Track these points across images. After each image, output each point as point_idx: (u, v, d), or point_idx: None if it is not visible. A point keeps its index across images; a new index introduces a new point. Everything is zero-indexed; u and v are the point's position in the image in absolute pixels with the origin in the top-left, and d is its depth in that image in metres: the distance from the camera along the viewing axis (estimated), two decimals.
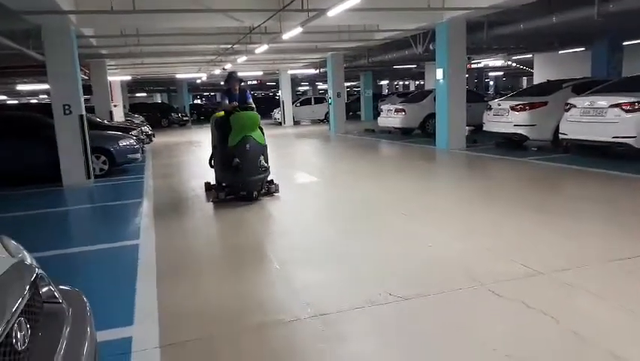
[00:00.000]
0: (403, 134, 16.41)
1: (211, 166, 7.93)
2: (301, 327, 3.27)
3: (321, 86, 42.52)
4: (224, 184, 7.51)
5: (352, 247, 4.97)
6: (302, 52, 17.34)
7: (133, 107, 28.85)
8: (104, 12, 8.76)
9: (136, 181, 9.99)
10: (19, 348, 1.42)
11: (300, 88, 47.07)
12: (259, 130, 7.32)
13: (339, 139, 17.33)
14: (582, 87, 10.60)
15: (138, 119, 21.05)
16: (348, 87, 36.65)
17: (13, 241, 2.13)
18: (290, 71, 26.34)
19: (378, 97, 29.92)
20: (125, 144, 11.05)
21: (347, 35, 14.27)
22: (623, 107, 8.63)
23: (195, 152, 15.48)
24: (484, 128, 12.34)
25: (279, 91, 29.30)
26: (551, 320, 3.14)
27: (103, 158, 10.60)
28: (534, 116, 10.86)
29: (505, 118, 11.38)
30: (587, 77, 13.55)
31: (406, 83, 47.50)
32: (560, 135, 9.99)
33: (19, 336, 1.44)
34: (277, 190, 7.67)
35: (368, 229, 5.62)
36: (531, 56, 22.14)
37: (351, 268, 4.37)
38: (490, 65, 27.36)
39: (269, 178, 7.56)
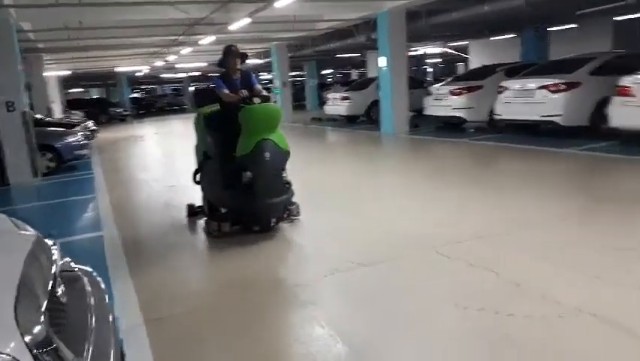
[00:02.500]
0: (348, 121, 16.90)
1: (196, 182, 5.64)
2: (282, 293, 3.60)
3: (264, 76, 42.48)
4: (223, 210, 5.16)
5: (319, 224, 5.35)
6: (247, 42, 17.43)
7: (69, 104, 27.84)
8: (48, 5, 8.62)
9: (86, 178, 9.91)
10: (63, 300, 1.69)
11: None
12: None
13: (288, 128, 17.57)
14: (514, 71, 11.40)
15: (77, 115, 20.44)
16: (292, 77, 36.85)
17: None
18: None
19: (322, 86, 30.33)
20: (71, 140, 10.87)
21: (292, 25, 14.54)
22: (550, 88, 9.42)
23: (144, 146, 15.34)
24: (425, 113, 13.00)
25: None
26: (492, 273, 3.63)
27: (49, 155, 10.41)
28: (471, 100, 11.57)
29: (445, 102, 12.06)
30: (518, 61, 14.47)
31: (349, 71, 48.20)
32: (494, 116, 10.73)
33: (60, 291, 1.71)
34: (299, 212, 5.32)
35: (331, 209, 5.99)
36: (466, 42, 23.20)
37: (320, 243, 4.76)
38: (428, 52, 28.42)
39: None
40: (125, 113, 30.80)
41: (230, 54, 5.16)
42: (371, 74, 25.35)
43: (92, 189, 8.42)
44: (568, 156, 8.20)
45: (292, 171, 5.26)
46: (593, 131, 9.17)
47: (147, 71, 28.24)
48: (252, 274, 4.09)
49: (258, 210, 4.85)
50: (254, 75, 5.43)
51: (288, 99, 20.68)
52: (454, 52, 27.47)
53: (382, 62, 12.97)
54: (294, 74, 38.12)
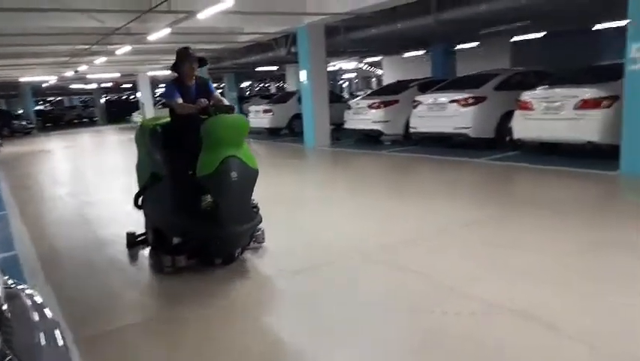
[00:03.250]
0: (270, 134, 17.01)
1: (138, 207, 4.87)
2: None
3: None
4: (175, 240, 4.42)
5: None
6: (164, 53, 17.06)
7: None
8: None
9: None
10: (8, 316, 1.64)
11: (157, 90, 45.45)
12: (246, 145, 4.25)
13: None
14: (426, 86, 12.10)
15: None
16: None
17: None
18: (149, 73, 25.52)
19: (241, 99, 30.23)
20: None
21: (212, 37, 14.46)
22: (460, 102, 10.11)
23: (54, 161, 14.47)
24: (346, 126, 13.42)
25: (137, 93, 28.18)
26: (421, 275, 3.90)
27: None
28: (388, 113, 12.11)
29: (364, 116, 12.53)
30: (429, 77, 15.34)
31: (267, 85, 48.36)
32: (410, 129, 11.32)
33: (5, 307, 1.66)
34: (263, 238, 4.79)
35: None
36: (380, 58, 24.22)
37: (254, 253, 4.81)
38: (344, 67, 29.34)
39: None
40: (30, 126, 28.83)
41: (186, 58, 4.41)
42: (290, 88, 25.72)
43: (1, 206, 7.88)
44: (478, 166, 8.85)
45: None
46: (499, 143, 9.94)
47: (55, 81, 26.64)
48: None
49: (222, 240, 4.14)
50: (211, 82, 4.78)
51: None
52: (369, 67, 28.57)
53: (303, 75, 13.25)
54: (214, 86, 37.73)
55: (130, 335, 3.34)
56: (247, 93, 42.76)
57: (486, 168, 8.64)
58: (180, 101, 4.32)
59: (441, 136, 10.89)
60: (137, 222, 5.22)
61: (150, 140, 4.51)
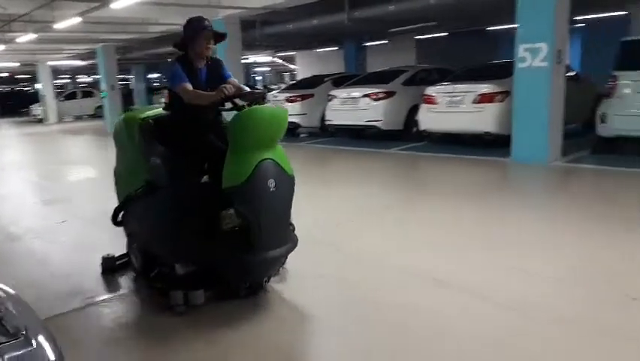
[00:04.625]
0: None
1: (117, 223, 3.87)
2: None
3: (83, 79, 39.34)
4: (180, 268, 3.34)
5: None
6: (69, 42, 16.25)
7: None
8: None
9: None
10: None
11: (56, 81, 42.69)
12: (279, 146, 3.28)
13: None
14: (340, 81, 12.66)
15: None
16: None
17: None
18: (50, 63, 24.02)
19: (151, 90, 29.30)
20: None
21: (123, 27, 14.04)
22: (371, 96, 10.74)
23: None
24: None
25: (37, 84, 26.41)
26: (337, 250, 4.32)
27: None
28: (304, 107, 12.51)
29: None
30: (343, 72, 15.96)
31: None
32: (325, 122, 11.83)
33: None
34: (286, 259, 3.51)
35: None
36: (294, 53, 24.61)
37: None
38: (258, 60, 29.38)
39: None
40: None
41: (201, 32, 3.33)
42: None
43: None
44: (389, 156, 9.51)
45: None
46: (407, 134, 10.70)
47: None
48: None
49: (253, 268, 3.20)
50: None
51: (117, 104, 19.69)
52: (282, 61, 28.87)
53: None
54: (119, 77, 36.10)
55: None
56: (156, 84, 41.38)
57: (396, 158, 9.31)
58: (190, 86, 3.25)
59: (354, 128, 11.48)
60: (44, 217, 5.00)
61: (143, 138, 3.49)
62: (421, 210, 5.54)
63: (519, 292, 3.32)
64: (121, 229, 3.91)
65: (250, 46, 18.35)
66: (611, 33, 11.78)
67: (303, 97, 12.58)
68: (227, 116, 3.36)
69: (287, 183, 3.20)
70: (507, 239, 4.46)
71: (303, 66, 23.88)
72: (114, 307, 3.47)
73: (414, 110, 10.37)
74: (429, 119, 9.73)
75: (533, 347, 2.65)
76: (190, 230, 3.22)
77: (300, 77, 21.86)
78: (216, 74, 3.48)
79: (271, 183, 3.05)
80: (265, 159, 3.06)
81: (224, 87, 3.14)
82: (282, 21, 13.37)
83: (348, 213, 5.50)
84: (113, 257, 3.99)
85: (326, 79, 13.30)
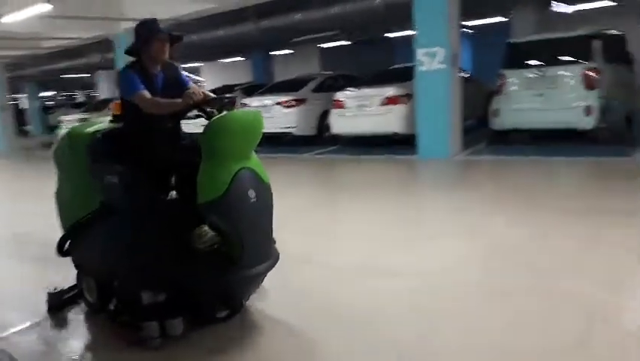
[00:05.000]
0: None
1: (63, 254, 3.37)
2: None
3: None
4: (146, 297, 2.93)
5: None
6: None
7: None
8: None
9: None
10: None
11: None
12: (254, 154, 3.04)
13: (16, 156, 15.73)
14: (250, 90, 12.81)
15: None
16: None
17: None
18: None
19: (46, 109, 27.53)
20: None
21: (12, 43, 13.17)
22: (284, 104, 11.00)
23: None
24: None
25: None
26: None
27: None
28: None
29: (195, 119, 12.68)
30: (252, 81, 16.09)
31: (74, 94, 44.51)
32: None
33: None
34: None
35: None
36: (200, 64, 24.33)
37: None
38: None
39: None
40: None
41: (154, 34, 3.06)
42: (103, 95, 24.30)
43: None
44: (305, 160, 9.80)
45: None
46: (320, 139, 11.05)
47: None
48: None
49: (236, 288, 2.96)
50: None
51: (9, 125, 18.33)
52: (187, 73, 28.34)
53: None
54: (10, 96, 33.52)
55: None
56: (50, 103, 38.90)
57: (312, 162, 9.62)
58: (148, 94, 2.97)
59: (269, 135, 11.63)
60: None
61: (94, 155, 3.11)
62: (341, 207, 5.84)
63: (439, 265, 3.66)
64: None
65: None
66: (495, 37, 12.94)
67: None
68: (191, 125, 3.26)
69: (267, 193, 2.95)
70: (424, 223, 4.86)
71: (211, 77, 23.67)
72: (76, 346, 3.06)
73: (325, 115, 10.76)
74: (340, 123, 10.14)
75: (451, 306, 2.98)
76: (158, 253, 2.89)
77: (208, 87, 21.63)
78: (173, 79, 3.23)
79: (251, 193, 2.80)
80: (242, 168, 2.80)
81: (192, 93, 2.90)
82: (188, 32, 13.24)
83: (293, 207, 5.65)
84: (60, 292, 3.42)
85: (236, 88, 13.38)
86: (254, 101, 11.50)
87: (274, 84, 13.14)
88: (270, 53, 19.68)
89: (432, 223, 4.96)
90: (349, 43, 18.32)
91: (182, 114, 3.09)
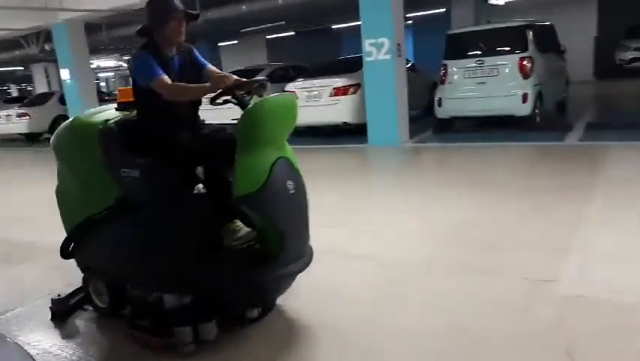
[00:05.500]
0: (29, 140, 15.41)
1: (67, 256, 3.14)
2: None
3: None
4: (169, 300, 2.77)
5: None
6: None
7: None
8: None
9: None
10: None
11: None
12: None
13: None
14: None
15: None
16: None
17: None
18: None
19: None
20: None
21: None
22: None
23: None
24: None
25: None
26: None
27: None
28: None
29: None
30: None
31: (6, 88, 42.23)
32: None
33: None
34: None
35: None
36: None
37: None
38: (102, 65, 27.71)
39: None
40: None
41: (170, 12, 2.78)
42: (40, 88, 23.29)
43: None
44: None
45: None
46: None
47: None
48: None
49: (273, 287, 2.76)
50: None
51: None
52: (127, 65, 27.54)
53: (65, 74, 12.50)
54: None
55: None
56: None
57: None
58: (161, 76, 2.68)
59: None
60: None
61: (107, 147, 2.83)
62: None
63: (390, 241, 3.92)
64: None
65: (95, 50, 17.37)
66: (437, 28, 13.45)
67: None
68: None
69: (302, 184, 2.74)
70: (378, 206, 5.12)
71: None
72: (95, 354, 2.78)
73: None
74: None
75: (398, 277, 3.23)
76: (187, 252, 2.65)
77: None
78: (190, 62, 2.95)
79: (290, 184, 2.60)
80: (279, 157, 2.59)
81: (224, 76, 2.71)
82: (130, 23, 12.97)
83: None
84: (65, 297, 3.18)
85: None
86: None
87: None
88: (218, 44, 19.52)
89: (384, 203, 5.22)
90: (296, 33, 18.43)
91: (213, 100, 2.71)
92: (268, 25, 14.94)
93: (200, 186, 2.84)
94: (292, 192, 2.60)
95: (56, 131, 3.14)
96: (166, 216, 2.68)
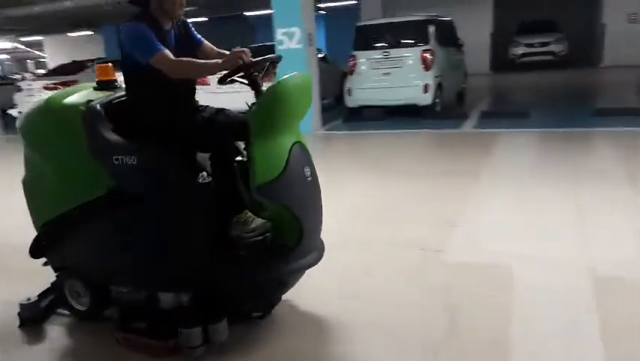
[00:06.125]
0: None
1: (37, 255, 2.82)
2: None
3: None
4: (166, 300, 2.55)
5: None
6: None
7: None
8: None
9: None
10: None
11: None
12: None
13: None
14: None
15: None
16: None
17: None
18: None
19: None
20: None
21: None
22: None
23: None
24: (19, 110, 12.35)
25: None
26: None
27: None
28: None
29: (38, 97, 11.79)
30: (105, 57, 15.21)
31: None
32: None
33: None
34: None
35: None
36: (41, 37, 22.20)
37: None
38: None
39: None
40: None
41: None
42: None
43: None
44: None
45: None
46: None
47: None
48: None
49: (287, 280, 2.57)
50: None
51: None
52: (26, 47, 25.70)
53: None
54: None
55: None
56: None
57: None
58: (163, 51, 2.37)
59: None
60: None
61: (93, 131, 2.46)
62: None
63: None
64: None
65: None
66: (347, 19, 13.88)
67: (65, 84, 11.76)
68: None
69: (314, 168, 2.52)
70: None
71: (55, 52, 21.76)
72: None
73: None
74: (208, 101, 10.20)
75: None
76: (197, 246, 2.42)
77: (51, 64, 19.93)
78: (185, 38, 2.67)
79: (307, 171, 2.43)
80: (296, 142, 2.40)
81: (243, 52, 2.33)
82: (27, 2, 12.17)
83: None
84: (36, 301, 2.83)
85: (89, 64, 12.65)
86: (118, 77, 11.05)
87: None
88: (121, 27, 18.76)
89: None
90: (209, 20, 18.16)
91: (224, 79, 2.45)
92: None
93: (205, 173, 2.48)
94: (310, 178, 2.44)
95: (25, 113, 2.74)
96: (171, 206, 2.40)
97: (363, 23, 10.21)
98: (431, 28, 9.13)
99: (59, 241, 2.72)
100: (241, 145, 2.56)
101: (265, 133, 2.29)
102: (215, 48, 2.74)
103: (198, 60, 2.48)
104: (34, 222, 2.79)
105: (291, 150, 2.34)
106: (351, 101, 9.47)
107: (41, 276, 2.99)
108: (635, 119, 7.49)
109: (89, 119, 2.47)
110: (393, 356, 2.40)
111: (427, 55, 8.79)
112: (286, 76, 2.33)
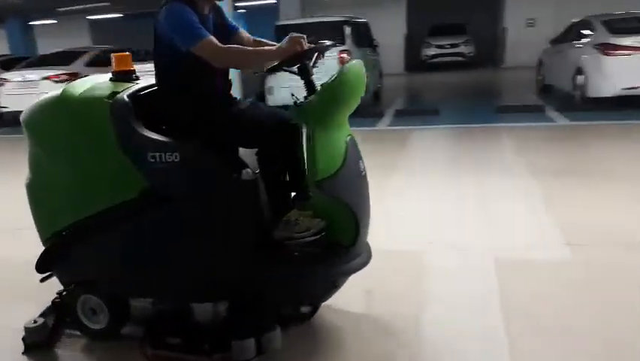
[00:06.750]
0: None
1: (42, 270, 2.50)
2: None
3: None
4: (201, 312, 2.37)
5: None
6: None
7: None
8: None
9: None
10: None
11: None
12: None
13: None
14: (10, 63, 11.49)
15: None
16: None
17: None
18: None
19: None
20: None
21: None
22: (53, 78, 10.23)
23: None
24: None
25: None
26: None
27: None
28: None
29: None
30: (9, 54, 14.28)
31: None
32: (1, 108, 10.68)
33: None
34: None
35: None
36: None
37: None
38: None
39: None
40: None
41: None
42: None
43: None
44: None
45: None
46: None
47: None
48: None
49: (340, 282, 2.39)
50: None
51: None
52: None
53: None
54: None
55: None
56: None
57: None
58: (209, 38, 2.12)
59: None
60: None
61: (124, 126, 2.20)
62: None
63: None
64: None
65: None
66: (268, 18, 13.99)
67: None
68: None
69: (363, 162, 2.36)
70: None
71: None
72: None
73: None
74: None
75: None
76: (239, 250, 2.22)
77: None
78: (220, 24, 2.41)
79: (361, 165, 2.29)
80: (349, 135, 2.26)
81: (301, 36, 2.14)
82: None
83: None
84: (43, 325, 2.45)
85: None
86: (15, 76, 10.48)
87: (40, 57, 12.01)
88: (30, 22, 17.63)
89: None
90: (123, 16, 17.52)
91: (279, 68, 2.26)
92: (90, 5, 13.98)
93: (249, 170, 2.25)
94: (364, 173, 2.31)
95: (31, 107, 2.41)
96: (220, 208, 2.19)
97: (282, 23, 10.35)
98: (347, 29, 9.44)
99: (74, 252, 2.40)
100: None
101: (326, 124, 2.14)
102: (251, 36, 2.49)
103: (249, 48, 2.31)
104: (41, 232, 2.46)
105: (347, 143, 2.20)
106: (272, 100, 9.58)
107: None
108: (532, 115, 8.25)
109: (118, 112, 2.20)
110: (320, 336, 2.57)
111: (344, 55, 9.09)
112: (353, 61, 2.26)
